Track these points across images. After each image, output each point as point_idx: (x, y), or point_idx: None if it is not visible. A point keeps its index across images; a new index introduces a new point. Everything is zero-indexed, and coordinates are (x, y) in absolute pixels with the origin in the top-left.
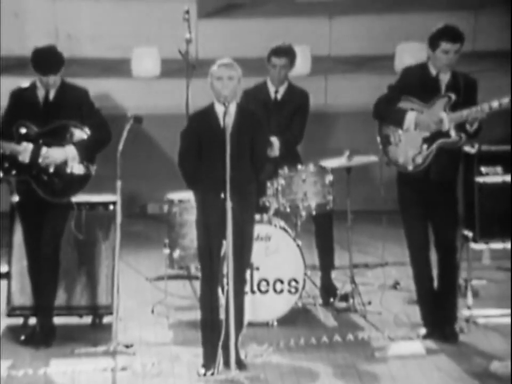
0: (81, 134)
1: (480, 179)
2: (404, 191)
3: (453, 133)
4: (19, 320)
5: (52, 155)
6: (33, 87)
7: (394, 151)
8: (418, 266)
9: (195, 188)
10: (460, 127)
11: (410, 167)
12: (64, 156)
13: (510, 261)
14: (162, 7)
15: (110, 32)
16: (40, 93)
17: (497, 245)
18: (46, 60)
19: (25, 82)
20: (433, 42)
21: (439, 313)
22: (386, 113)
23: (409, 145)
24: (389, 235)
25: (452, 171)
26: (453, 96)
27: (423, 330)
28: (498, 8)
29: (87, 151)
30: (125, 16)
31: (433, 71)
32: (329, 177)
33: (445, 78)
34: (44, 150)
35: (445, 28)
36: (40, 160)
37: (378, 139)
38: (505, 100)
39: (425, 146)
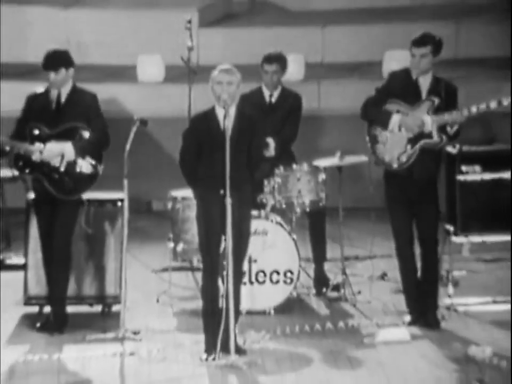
0: (88, 135)
1: (461, 177)
2: (390, 189)
3: (435, 135)
4: (35, 309)
5: (50, 149)
6: (46, 92)
7: (381, 150)
8: (404, 259)
9: (194, 185)
10: (441, 129)
11: (395, 165)
12: (61, 151)
13: (488, 253)
14: (165, 16)
15: (117, 40)
16: (53, 97)
17: (476, 238)
18: (47, 58)
19: (39, 88)
20: (409, 48)
21: (422, 302)
22: (373, 114)
23: (394, 145)
24: (377, 230)
25: (433, 170)
26: (436, 100)
27: (408, 318)
28: (479, 17)
29: (84, 150)
30: (130, 25)
31: (413, 76)
32: (322, 176)
33: (425, 82)
34: (43, 146)
35: (417, 35)
36: (40, 154)
37: (367, 139)
38: (483, 106)
39: (409, 146)
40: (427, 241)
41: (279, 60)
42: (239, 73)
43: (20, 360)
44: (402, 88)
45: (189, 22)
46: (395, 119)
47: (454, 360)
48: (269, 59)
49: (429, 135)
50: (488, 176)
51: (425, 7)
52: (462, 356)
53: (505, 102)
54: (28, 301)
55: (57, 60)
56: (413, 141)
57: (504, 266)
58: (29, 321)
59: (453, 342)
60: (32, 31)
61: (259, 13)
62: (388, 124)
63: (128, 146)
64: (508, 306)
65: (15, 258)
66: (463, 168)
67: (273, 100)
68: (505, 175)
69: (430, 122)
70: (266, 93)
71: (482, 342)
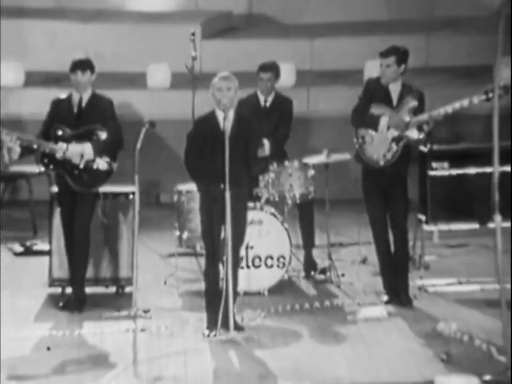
0: (104, 136)
1: (431, 173)
2: (366, 184)
3: (415, 133)
4: (58, 290)
5: (72, 149)
6: (69, 97)
7: (369, 149)
8: (380, 245)
9: (197, 180)
10: (419, 128)
11: (381, 162)
12: (81, 151)
13: (454, 240)
14: (172, 30)
15: (129, 50)
16: (75, 102)
17: (444, 227)
18: (77, 61)
19: (63, 94)
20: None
21: (396, 283)
22: (362, 120)
23: (380, 144)
24: (359, 219)
25: (403, 167)
26: (415, 103)
27: (385, 297)
28: (447, 31)
29: (101, 150)
30: (141, 37)
31: (383, 83)
32: (310, 172)
33: (396, 88)
34: (65, 146)
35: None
36: (63, 154)
37: (355, 140)
38: (457, 104)
39: (393, 144)
40: (398, 229)
41: (272, 69)
42: (236, 80)
43: (46, 335)
44: (375, 93)
45: (193, 34)
46: (384, 121)
47: (424, 335)
48: (264, 68)
49: (410, 134)
50: (454, 171)
51: (401, 22)
52: (431, 331)
53: (476, 100)
54: (52, 283)
55: (85, 63)
56: (396, 140)
57: (468, 251)
58: (53, 301)
59: (423, 318)
60: (56, 43)
61: (255, 26)
62: (377, 125)
63: (138, 146)
64: (472, 287)
65: (41, 245)
66: (433, 164)
67: (268, 104)
68: (470, 170)
69: (411, 122)
70: (261, 98)
71: (449, 318)
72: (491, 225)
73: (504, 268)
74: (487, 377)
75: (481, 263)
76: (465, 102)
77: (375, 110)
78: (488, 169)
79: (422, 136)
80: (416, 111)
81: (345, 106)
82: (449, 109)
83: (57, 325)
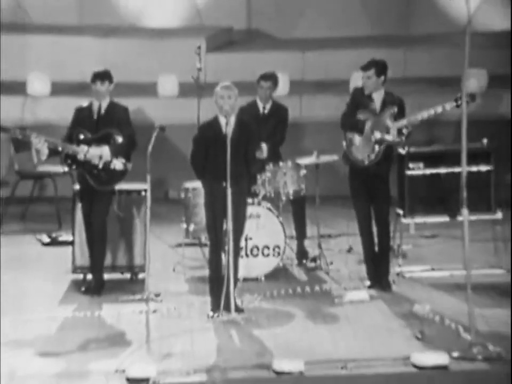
0: (121, 139)
1: (408, 172)
2: (353, 182)
3: (395, 136)
4: (80, 276)
5: (91, 152)
6: (90, 105)
7: (355, 150)
8: (364, 236)
9: (202, 178)
10: (399, 131)
11: (366, 162)
12: (100, 153)
13: (428, 231)
14: (179, 44)
15: (142, 62)
16: (95, 109)
17: (420, 220)
18: (97, 72)
19: (84, 102)
20: None
21: (378, 270)
22: (350, 124)
23: (365, 146)
24: (346, 214)
25: (385, 167)
26: (396, 109)
27: (368, 283)
28: (423, 46)
29: (117, 152)
30: (152, 51)
31: (366, 91)
32: (303, 171)
33: (379, 96)
34: (86, 148)
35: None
36: (84, 155)
37: (344, 143)
38: (431, 111)
39: (376, 146)
40: (381, 222)
41: (272, 78)
42: (236, 89)
43: (69, 316)
44: (361, 101)
45: (198, 48)
46: (369, 124)
47: (402, 315)
48: (264, 77)
49: (391, 136)
50: (428, 171)
51: (382, 37)
52: (408, 312)
53: (448, 107)
54: (75, 270)
55: (104, 74)
56: (379, 142)
57: (440, 241)
58: (75, 286)
59: (401, 301)
60: (79, 56)
61: (253, 40)
62: (363, 129)
63: (150, 148)
64: (443, 273)
65: (65, 236)
66: (410, 165)
67: (266, 111)
68: (442, 170)
69: (392, 126)
70: (260, 105)
71: (423, 301)
72: (459, 218)
73: (469, 256)
74: (455, 354)
75: (450, 251)
76: (439, 109)
77: (360, 115)
78: (457, 169)
79: (401, 139)
80: (397, 116)
81: (334, 112)
82: (425, 114)
83: (80, 307)
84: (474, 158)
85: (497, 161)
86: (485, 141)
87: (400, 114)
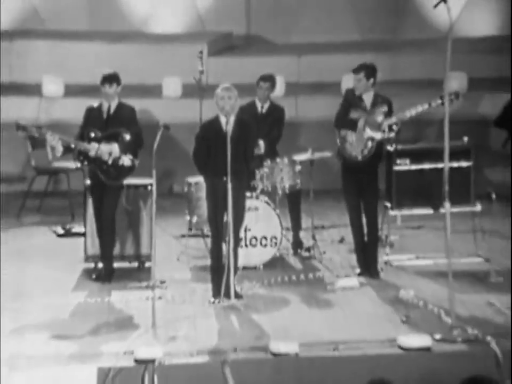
0: (128, 137)
1: (396, 168)
2: (344, 177)
3: (387, 132)
4: (91, 265)
5: (102, 149)
6: (100, 105)
7: (349, 147)
8: (354, 227)
9: (204, 174)
10: (389, 128)
11: (360, 157)
12: (110, 150)
13: (413, 222)
14: (183, 48)
15: (148, 66)
16: (104, 109)
17: (406, 212)
18: (106, 76)
19: (95, 102)
20: None
21: (367, 259)
22: (343, 123)
23: (359, 143)
24: (338, 206)
25: (375, 163)
26: (386, 108)
27: (357, 270)
28: (409, 50)
29: (125, 149)
30: (157, 55)
31: (357, 93)
32: (298, 167)
33: (368, 97)
34: (97, 145)
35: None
36: (95, 152)
37: (338, 140)
38: (419, 108)
39: (369, 142)
40: (370, 214)
41: (271, 79)
42: (236, 90)
43: (82, 302)
44: (353, 101)
45: (201, 52)
46: (361, 123)
47: (389, 301)
48: (264, 78)
49: (383, 133)
50: (414, 167)
51: (372, 42)
52: (394, 297)
53: (433, 104)
54: (87, 259)
55: (113, 77)
56: (371, 138)
57: (424, 232)
58: (87, 274)
59: (388, 287)
60: (89, 60)
61: (252, 45)
62: (356, 127)
63: (155, 145)
64: (426, 261)
65: (77, 228)
66: (398, 161)
67: (264, 110)
68: (426, 166)
69: (383, 123)
70: (258, 105)
71: (408, 287)
72: (442, 210)
73: (451, 245)
74: (437, 336)
75: (434, 241)
76: (425, 106)
77: (353, 114)
78: (440, 165)
79: (392, 134)
80: (386, 114)
81: (327, 112)
82: (413, 111)
83: (91, 294)
84: (455, 154)
85: (477, 158)
86: (465, 139)
87: (388, 113)
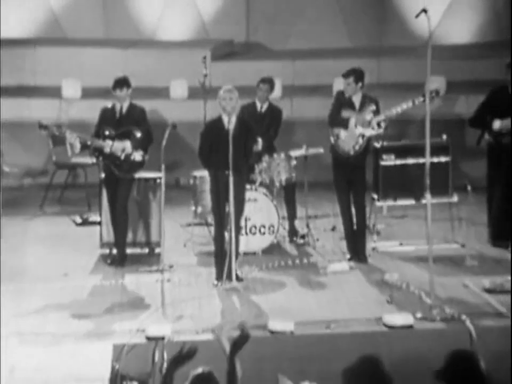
0: (139, 135)
1: (382, 162)
2: (335, 171)
3: (375, 128)
4: (106, 251)
5: (115, 146)
6: (113, 106)
7: (342, 143)
8: (344, 216)
9: (208, 168)
10: (378, 124)
11: (352, 153)
12: (123, 147)
13: (398, 212)
14: (189, 54)
15: (157, 70)
16: (117, 110)
17: (391, 203)
18: (117, 80)
19: (108, 103)
20: None
21: (356, 245)
22: (336, 121)
23: (351, 139)
24: (330, 197)
25: (363, 158)
26: (374, 107)
27: (347, 256)
28: (392, 56)
29: (137, 146)
30: (166, 60)
31: (347, 95)
32: (293, 162)
33: (357, 98)
34: (111, 142)
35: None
36: (109, 149)
37: (331, 137)
38: (404, 106)
39: (360, 138)
40: (359, 205)
41: (270, 82)
42: (237, 92)
43: (98, 284)
44: (343, 102)
45: (204, 57)
46: (352, 120)
47: (376, 283)
48: (263, 80)
49: (372, 129)
50: (398, 162)
51: (359, 49)
52: (380, 280)
53: (417, 101)
54: (102, 245)
55: (123, 82)
56: (362, 135)
57: (407, 220)
58: (103, 259)
59: (374, 271)
60: (104, 64)
61: (251, 51)
62: (347, 125)
63: (164, 142)
64: (409, 247)
65: (94, 217)
66: (384, 156)
67: (263, 110)
68: (409, 161)
69: (372, 120)
70: (258, 105)
71: (393, 271)
72: (423, 201)
73: (431, 233)
74: (418, 315)
75: (416, 229)
76: (409, 104)
77: (344, 114)
78: (421, 160)
79: (381, 130)
80: (375, 113)
81: (320, 112)
82: (399, 109)
83: (106, 277)
84: (435, 150)
85: (454, 153)
86: (444, 136)
87: (376, 112)
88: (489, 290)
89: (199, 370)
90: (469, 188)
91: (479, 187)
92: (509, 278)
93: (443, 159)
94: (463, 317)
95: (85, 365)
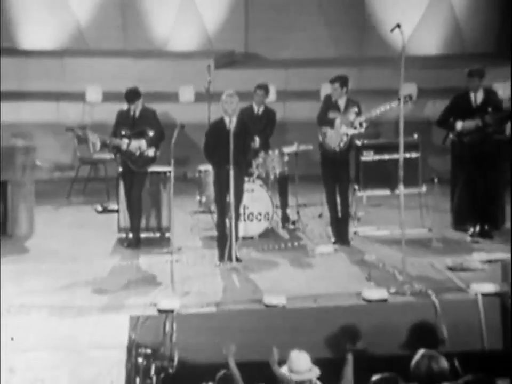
0: (152, 134)
1: (362, 158)
2: (323, 165)
3: (359, 128)
4: (123, 235)
5: (132, 144)
6: (128, 109)
7: (329, 141)
8: (330, 205)
9: (211, 163)
10: (360, 124)
11: (337, 149)
12: (138, 145)
13: (375, 201)
14: (195, 63)
15: (167, 77)
16: (132, 112)
17: (370, 193)
18: (128, 96)
19: (124, 106)
20: None
21: (340, 230)
22: (324, 121)
23: (336, 137)
24: (318, 189)
25: (347, 154)
26: (356, 109)
27: (332, 239)
28: (372, 65)
29: (150, 144)
30: (175, 68)
31: (333, 99)
32: (286, 157)
33: (342, 101)
34: (127, 141)
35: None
36: (126, 146)
37: (319, 136)
38: (382, 108)
39: (344, 137)
40: (343, 195)
41: (265, 88)
42: (237, 96)
43: (116, 264)
44: (330, 105)
45: (209, 66)
46: (338, 121)
47: (356, 262)
48: (260, 86)
49: (355, 129)
50: (377, 157)
51: (343, 58)
52: (360, 260)
53: (393, 105)
54: (120, 230)
55: (133, 96)
56: (346, 134)
57: (383, 208)
58: (120, 242)
59: (356, 252)
60: (121, 72)
61: (249, 60)
62: (334, 124)
63: (173, 141)
64: (385, 232)
65: (112, 206)
66: (364, 152)
67: (259, 113)
68: (385, 157)
69: (355, 121)
70: (255, 108)
71: (371, 252)
72: (397, 191)
73: (403, 219)
74: (392, 290)
75: (391, 216)
76: (387, 106)
77: (331, 115)
78: (396, 156)
79: (362, 129)
80: (357, 114)
81: (309, 114)
82: (378, 111)
83: (123, 258)
84: (407, 148)
85: (423, 150)
86: (415, 135)
87: (358, 113)
88: (451, 268)
89: (221, 372)
90: (435, 180)
91: (444, 179)
92: (468, 257)
93: (414, 155)
94: (430, 291)
95: (106, 334)
